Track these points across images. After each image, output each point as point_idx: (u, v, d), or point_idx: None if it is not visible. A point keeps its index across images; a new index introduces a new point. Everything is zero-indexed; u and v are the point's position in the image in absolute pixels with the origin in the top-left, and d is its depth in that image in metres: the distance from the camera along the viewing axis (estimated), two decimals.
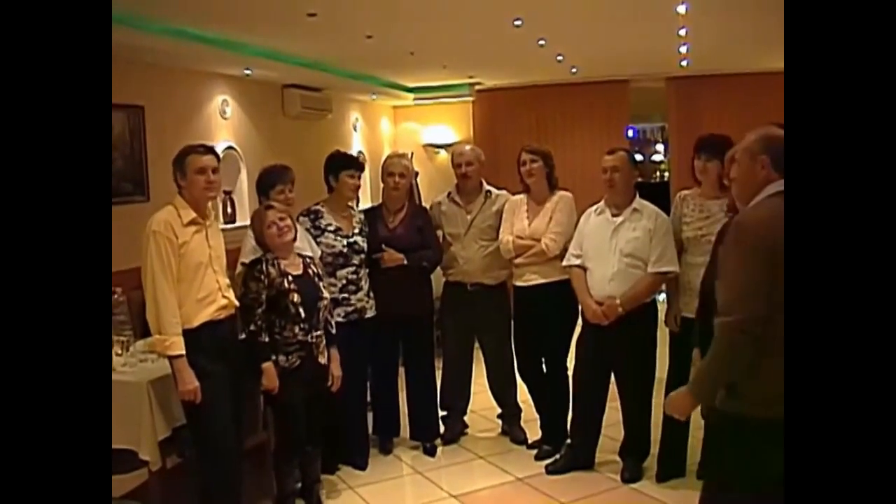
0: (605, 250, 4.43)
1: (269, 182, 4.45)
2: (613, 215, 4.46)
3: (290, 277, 3.96)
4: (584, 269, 4.52)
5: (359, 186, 4.88)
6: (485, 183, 5.22)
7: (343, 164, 4.79)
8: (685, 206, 4.40)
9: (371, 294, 4.79)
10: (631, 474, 4.55)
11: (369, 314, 4.76)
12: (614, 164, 4.45)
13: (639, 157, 18.72)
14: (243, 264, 4.12)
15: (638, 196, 4.50)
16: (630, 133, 16.59)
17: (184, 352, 3.52)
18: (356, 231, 4.78)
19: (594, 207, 4.60)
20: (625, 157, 4.48)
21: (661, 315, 4.54)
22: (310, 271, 4.09)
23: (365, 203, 9.13)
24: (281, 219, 4.02)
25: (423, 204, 6.83)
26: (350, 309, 4.66)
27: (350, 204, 4.91)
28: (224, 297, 3.72)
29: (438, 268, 5.22)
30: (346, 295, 4.66)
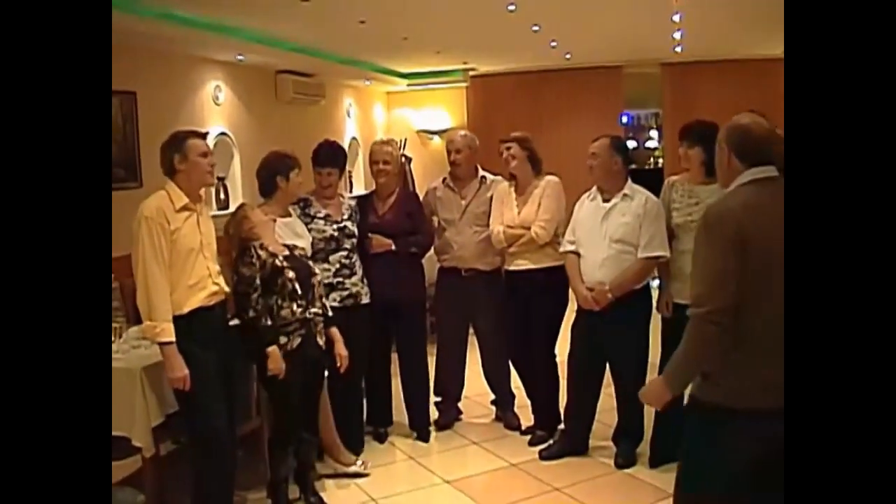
0: (595, 236, 4.43)
1: (287, 165, 4.39)
2: (604, 201, 4.46)
3: (280, 256, 3.97)
4: (578, 254, 4.51)
5: (330, 183, 4.76)
6: (480, 169, 5.20)
7: (315, 160, 4.74)
8: (674, 191, 4.40)
9: (365, 280, 4.77)
10: (625, 459, 4.56)
11: (364, 300, 4.74)
12: (593, 151, 4.47)
13: (633, 143, 18.71)
14: None
15: (630, 181, 4.48)
16: (625, 119, 16.58)
17: (174, 338, 3.50)
18: (345, 217, 4.75)
19: (588, 193, 4.59)
20: (605, 144, 4.47)
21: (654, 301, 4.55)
22: (296, 253, 4.12)
23: (359, 189, 9.16)
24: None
25: (417, 190, 6.81)
26: (345, 294, 4.65)
27: (339, 192, 4.88)
28: (215, 283, 3.70)
29: (434, 253, 5.22)
30: (340, 279, 4.64)
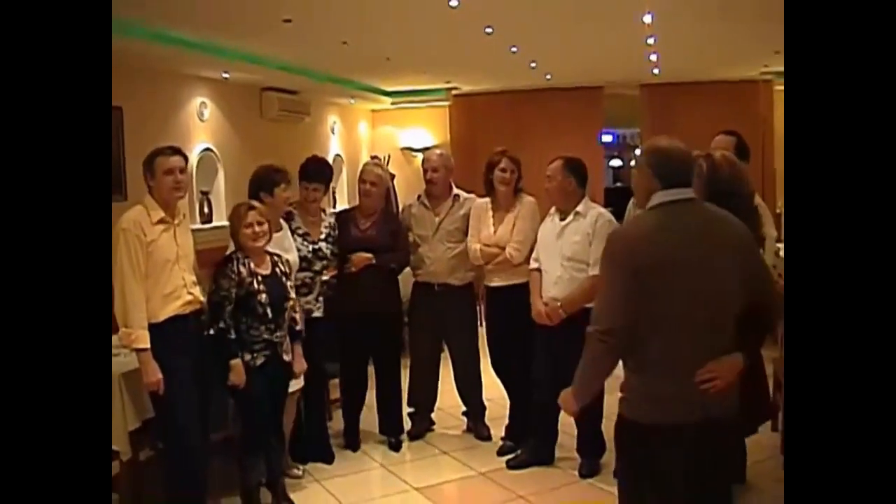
0: (552, 254, 4.60)
1: (274, 180, 4.53)
2: (560, 219, 4.63)
3: (259, 277, 4.09)
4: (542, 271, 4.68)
5: (315, 199, 4.93)
6: (454, 187, 5.36)
7: (302, 174, 4.90)
8: (636, 211, 4.54)
9: (319, 297, 4.88)
10: (588, 470, 4.71)
11: (315, 314, 4.84)
12: (548, 174, 4.67)
13: (618, 161, 18.93)
14: None
15: (587, 200, 4.64)
16: (609, 138, 16.75)
17: (148, 345, 3.65)
18: (322, 237, 4.90)
19: (550, 213, 4.76)
20: (559, 167, 4.64)
21: None
22: (277, 270, 4.22)
23: (343, 206, 9.30)
24: (259, 223, 4.13)
25: (401, 206, 6.95)
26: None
27: (322, 207, 5.04)
28: (189, 293, 3.85)
29: (409, 269, 5.37)
30: (297, 297, 4.75)
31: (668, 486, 2.65)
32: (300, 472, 4.72)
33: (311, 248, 4.83)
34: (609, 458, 4.73)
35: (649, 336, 2.58)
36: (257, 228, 4.11)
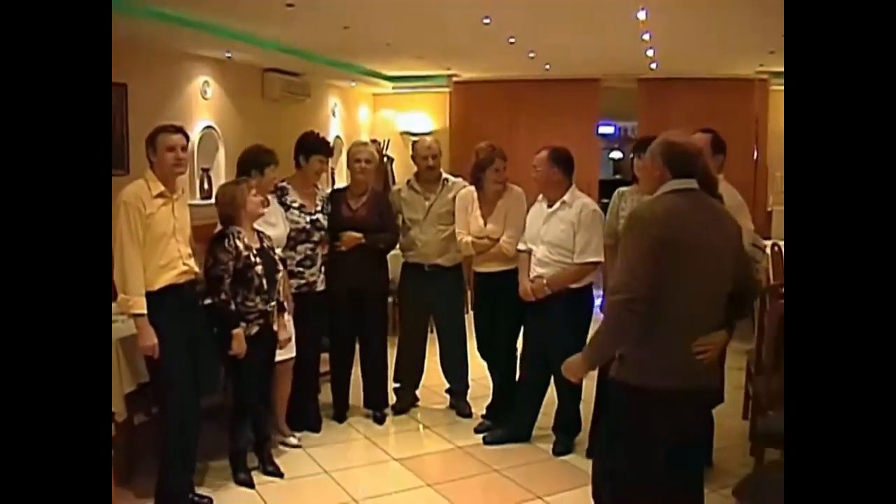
0: (538, 237, 4.79)
1: (265, 160, 4.71)
2: (548, 206, 4.80)
3: (254, 251, 4.29)
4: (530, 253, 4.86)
5: (325, 171, 5.19)
6: (442, 171, 5.55)
7: (315, 148, 5.10)
8: (623, 201, 4.73)
9: (322, 269, 5.11)
10: (562, 448, 4.90)
11: (319, 288, 5.09)
12: (534, 164, 4.82)
13: (618, 154, 19.05)
14: None
15: (574, 189, 4.79)
16: (611, 130, 16.87)
17: (145, 311, 3.83)
18: (318, 209, 5.10)
19: (539, 197, 4.92)
20: (544, 157, 4.78)
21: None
22: (265, 244, 4.42)
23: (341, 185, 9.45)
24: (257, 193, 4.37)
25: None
26: (302, 282, 4.99)
27: (316, 183, 5.23)
28: (185, 264, 4.03)
29: (399, 250, 5.56)
30: (301, 269, 4.98)
31: (654, 448, 2.90)
32: (297, 440, 4.94)
33: (308, 219, 5.03)
34: (582, 437, 4.94)
35: (660, 307, 2.81)
36: (262, 197, 4.35)
